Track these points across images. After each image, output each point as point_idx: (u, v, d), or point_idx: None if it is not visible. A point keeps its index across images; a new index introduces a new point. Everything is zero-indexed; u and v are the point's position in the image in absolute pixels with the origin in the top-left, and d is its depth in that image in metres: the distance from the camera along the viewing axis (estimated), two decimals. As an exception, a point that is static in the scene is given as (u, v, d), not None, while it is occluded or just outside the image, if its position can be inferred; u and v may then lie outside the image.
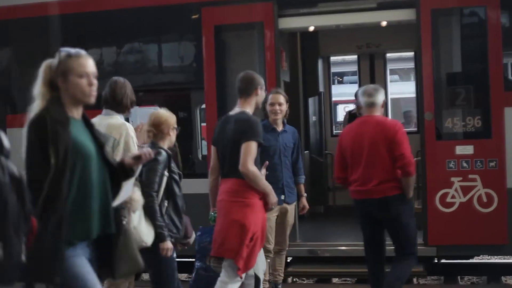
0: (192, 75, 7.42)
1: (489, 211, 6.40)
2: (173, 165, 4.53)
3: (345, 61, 15.09)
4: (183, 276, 7.55)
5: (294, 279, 7.67)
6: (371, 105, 5.19)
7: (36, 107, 3.16)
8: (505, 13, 6.47)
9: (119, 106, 4.86)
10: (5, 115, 7.72)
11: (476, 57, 6.70)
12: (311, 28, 7.48)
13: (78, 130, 3.18)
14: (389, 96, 10.28)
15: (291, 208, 5.91)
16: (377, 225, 5.22)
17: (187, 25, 7.26)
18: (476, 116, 6.50)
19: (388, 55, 10.51)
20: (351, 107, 11.12)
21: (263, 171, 4.77)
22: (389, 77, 10.82)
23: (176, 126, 4.66)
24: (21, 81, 7.78)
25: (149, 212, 4.30)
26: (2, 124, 7.44)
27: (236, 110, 4.80)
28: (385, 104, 5.47)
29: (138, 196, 4.10)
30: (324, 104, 10.12)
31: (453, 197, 6.47)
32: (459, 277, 7.65)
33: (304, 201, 5.99)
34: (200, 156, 7.39)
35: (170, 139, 4.63)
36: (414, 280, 7.17)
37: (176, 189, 4.50)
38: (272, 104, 5.73)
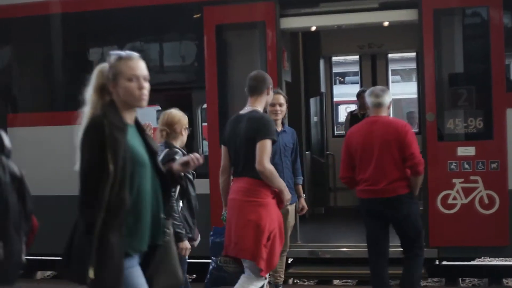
0: (194, 74, 7.41)
1: (490, 213, 6.38)
2: None
3: (346, 62, 15.13)
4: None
5: (295, 280, 7.65)
6: (378, 105, 5.33)
7: (88, 112, 3.04)
8: (507, 14, 6.45)
9: None
10: (6, 113, 7.71)
11: (478, 58, 6.68)
12: (313, 28, 7.48)
13: (132, 137, 3.07)
14: (391, 97, 10.27)
15: (291, 209, 5.90)
16: (384, 225, 5.30)
17: (188, 24, 7.24)
18: (478, 117, 6.48)
19: (390, 55, 10.52)
20: (353, 107, 11.12)
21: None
22: (391, 78, 10.83)
23: (187, 126, 4.72)
24: (21, 80, 7.79)
25: (169, 212, 4.32)
26: (3, 123, 7.43)
27: (247, 108, 4.79)
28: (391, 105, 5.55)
29: None
30: (325, 104, 10.12)
31: (454, 198, 6.45)
32: (460, 279, 7.64)
33: (302, 201, 6.00)
34: (201, 156, 7.37)
35: (182, 139, 4.71)
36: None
37: (191, 189, 4.54)
38: (273, 105, 5.71)
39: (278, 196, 4.70)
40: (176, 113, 4.74)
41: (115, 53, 3.11)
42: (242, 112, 4.81)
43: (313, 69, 9.70)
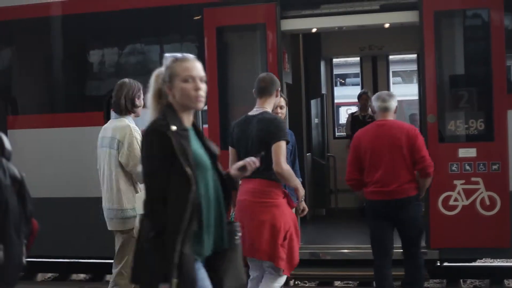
0: (194, 76, 7.39)
1: (491, 214, 6.37)
2: None
3: (347, 63, 15.13)
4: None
5: (296, 282, 7.65)
6: (385, 110, 5.46)
7: (149, 116, 3.04)
8: (508, 15, 6.44)
9: (119, 108, 4.85)
10: (6, 116, 7.70)
11: (479, 60, 6.68)
12: (314, 30, 7.47)
13: (193, 140, 3.02)
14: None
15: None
16: (390, 226, 5.37)
17: (189, 26, 7.24)
18: (479, 118, 6.48)
19: (391, 57, 10.52)
20: (354, 109, 11.10)
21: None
22: (391, 79, 10.81)
23: None
24: (22, 82, 7.78)
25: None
26: (3, 126, 7.43)
27: (257, 110, 4.79)
28: (397, 109, 5.64)
29: (143, 195, 4.09)
30: (326, 106, 10.11)
31: (455, 200, 6.45)
32: (461, 280, 7.62)
33: (303, 203, 5.99)
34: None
35: None
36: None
37: None
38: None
39: (288, 197, 4.80)
40: None
41: (170, 55, 3.06)
42: (251, 113, 4.81)
43: (313, 70, 9.70)
